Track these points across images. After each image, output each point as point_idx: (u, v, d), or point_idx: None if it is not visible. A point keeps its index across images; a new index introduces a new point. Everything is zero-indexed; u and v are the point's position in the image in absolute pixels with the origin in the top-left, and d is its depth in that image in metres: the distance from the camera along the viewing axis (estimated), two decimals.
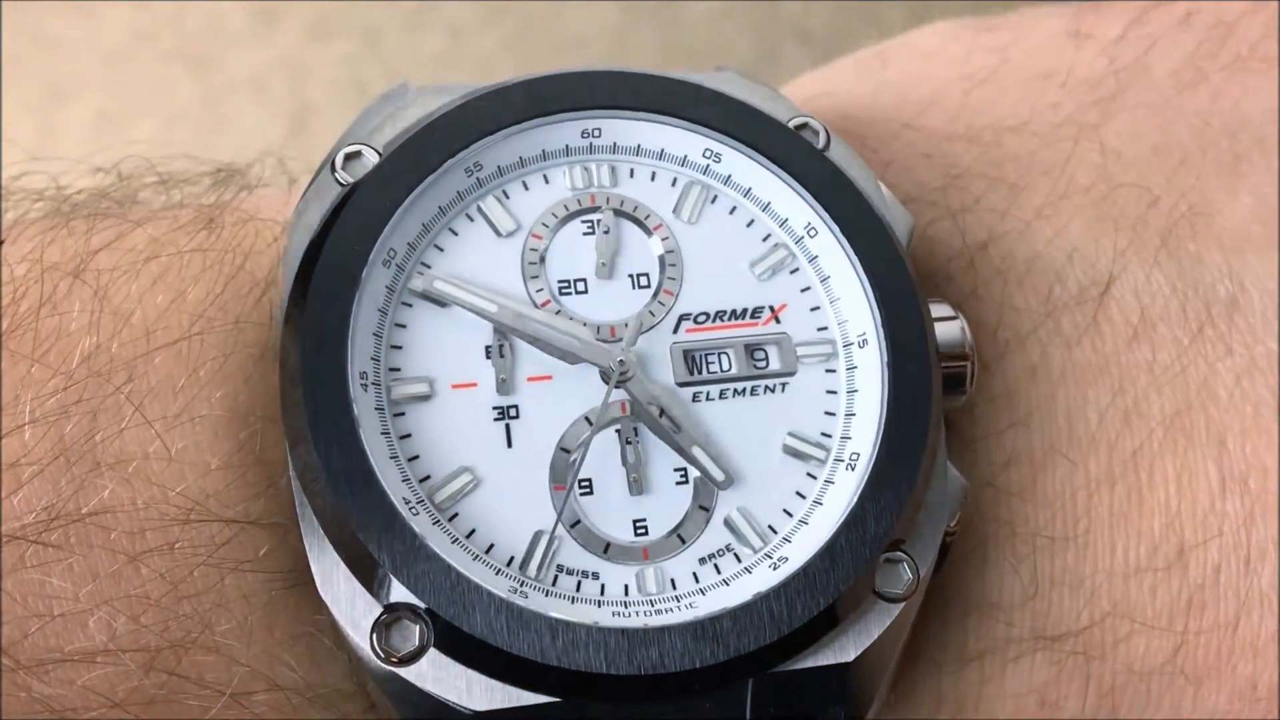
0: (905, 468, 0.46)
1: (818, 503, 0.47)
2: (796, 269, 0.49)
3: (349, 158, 0.47)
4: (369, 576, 0.43)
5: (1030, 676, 0.49)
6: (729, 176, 0.49)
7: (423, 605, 0.42)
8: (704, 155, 0.49)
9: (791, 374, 0.48)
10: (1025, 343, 0.51)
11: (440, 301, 0.47)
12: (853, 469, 0.46)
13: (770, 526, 0.46)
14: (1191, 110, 0.54)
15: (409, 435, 0.45)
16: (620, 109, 0.48)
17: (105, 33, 0.93)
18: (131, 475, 0.44)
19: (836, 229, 0.48)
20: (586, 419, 0.46)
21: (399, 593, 0.43)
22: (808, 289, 0.49)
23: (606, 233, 0.48)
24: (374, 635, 0.43)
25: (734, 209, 0.49)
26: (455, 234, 0.48)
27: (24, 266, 0.46)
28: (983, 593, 0.49)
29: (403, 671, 0.43)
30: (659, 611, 0.45)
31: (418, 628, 0.43)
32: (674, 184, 0.49)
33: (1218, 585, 0.48)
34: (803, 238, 0.49)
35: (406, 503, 0.44)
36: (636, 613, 0.45)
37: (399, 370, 0.46)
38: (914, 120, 0.54)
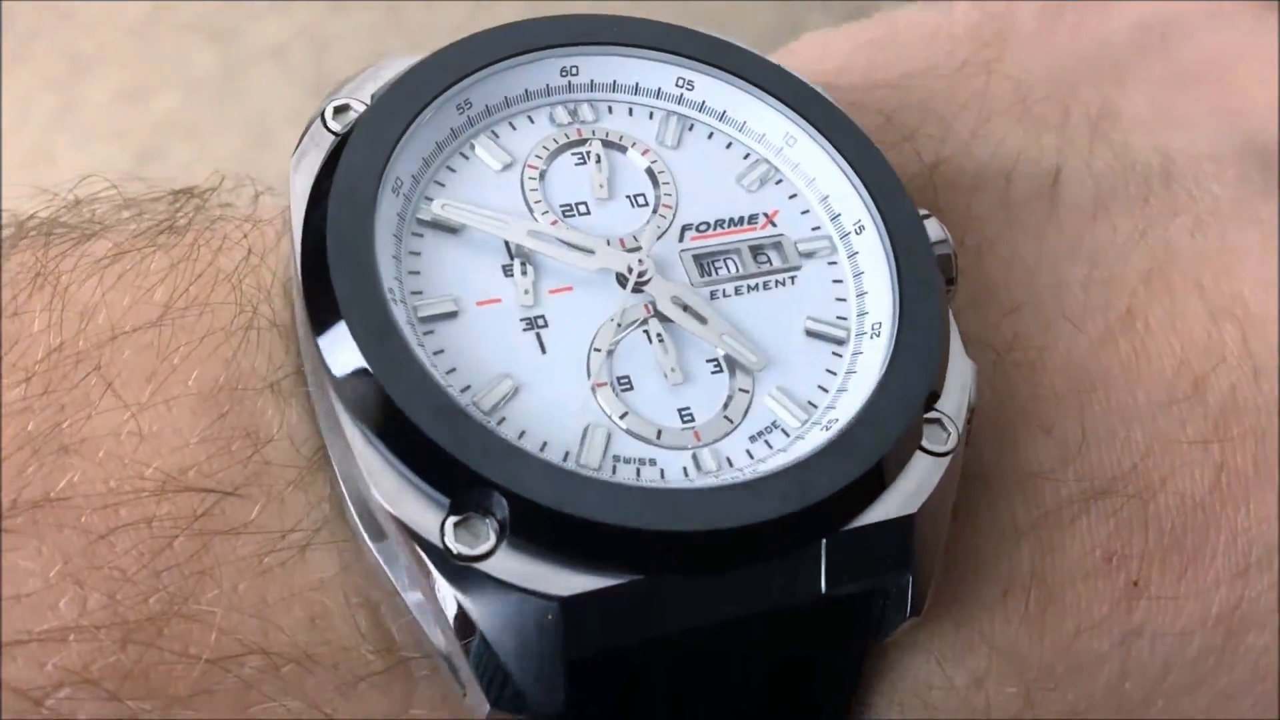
0: (928, 322, 0.47)
1: (851, 372, 0.47)
2: (780, 180, 0.51)
3: (338, 110, 0.48)
4: (435, 471, 0.41)
5: (1090, 535, 0.49)
6: (703, 103, 0.51)
7: (496, 485, 0.41)
8: (677, 84, 0.51)
9: (797, 268, 0.49)
10: (995, 244, 0.54)
11: (451, 228, 0.47)
12: (878, 336, 0.47)
13: (810, 401, 0.46)
14: (1063, 41, 0.61)
15: (441, 351, 0.44)
16: (595, 44, 0.50)
17: (124, 4, 0.92)
18: (103, 457, 0.42)
19: (815, 131, 0.50)
20: (612, 320, 0.46)
21: (468, 481, 0.41)
22: (795, 195, 0.51)
23: (598, 160, 0.49)
24: (444, 536, 0.41)
25: (711, 134, 0.51)
26: (453, 171, 0.48)
27: None
28: (1020, 467, 0.49)
29: (479, 567, 0.41)
30: (725, 481, 0.44)
31: (488, 523, 0.41)
32: (651, 117, 0.51)
33: (1236, 401, 0.50)
34: (782, 149, 0.51)
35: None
36: (705, 484, 0.43)
37: (421, 293, 0.45)
38: (832, 83, 0.58)
